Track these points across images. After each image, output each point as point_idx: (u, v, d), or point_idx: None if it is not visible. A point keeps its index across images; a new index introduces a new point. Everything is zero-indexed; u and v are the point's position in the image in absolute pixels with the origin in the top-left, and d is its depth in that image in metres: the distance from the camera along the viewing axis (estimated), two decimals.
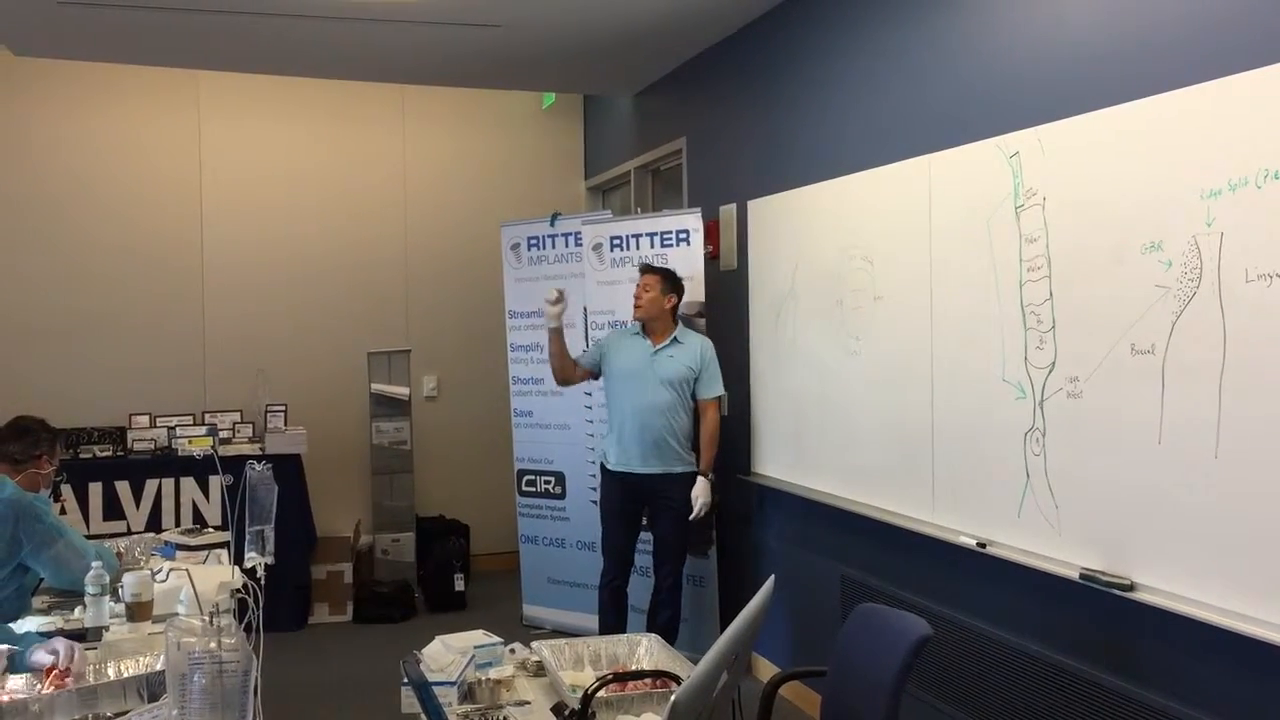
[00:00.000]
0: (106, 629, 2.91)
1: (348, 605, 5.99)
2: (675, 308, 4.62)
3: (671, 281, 4.61)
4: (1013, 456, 3.06)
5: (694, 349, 4.60)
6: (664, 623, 4.57)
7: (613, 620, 4.64)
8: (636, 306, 4.60)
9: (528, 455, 5.77)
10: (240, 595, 2.62)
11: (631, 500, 4.63)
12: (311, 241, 6.60)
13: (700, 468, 4.58)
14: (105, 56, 5.65)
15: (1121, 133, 2.68)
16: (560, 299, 4.60)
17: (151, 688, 2.33)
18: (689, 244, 4.95)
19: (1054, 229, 2.90)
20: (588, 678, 2.50)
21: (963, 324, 3.29)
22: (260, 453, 5.69)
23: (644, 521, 4.73)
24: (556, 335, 4.67)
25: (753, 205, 4.70)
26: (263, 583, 2.57)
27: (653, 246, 5.06)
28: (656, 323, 4.60)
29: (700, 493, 4.54)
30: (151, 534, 4.27)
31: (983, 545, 3.20)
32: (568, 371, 4.76)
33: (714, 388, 4.60)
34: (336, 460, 6.43)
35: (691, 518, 4.55)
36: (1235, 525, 2.38)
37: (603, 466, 4.73)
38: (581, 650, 2.72)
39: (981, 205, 3.17)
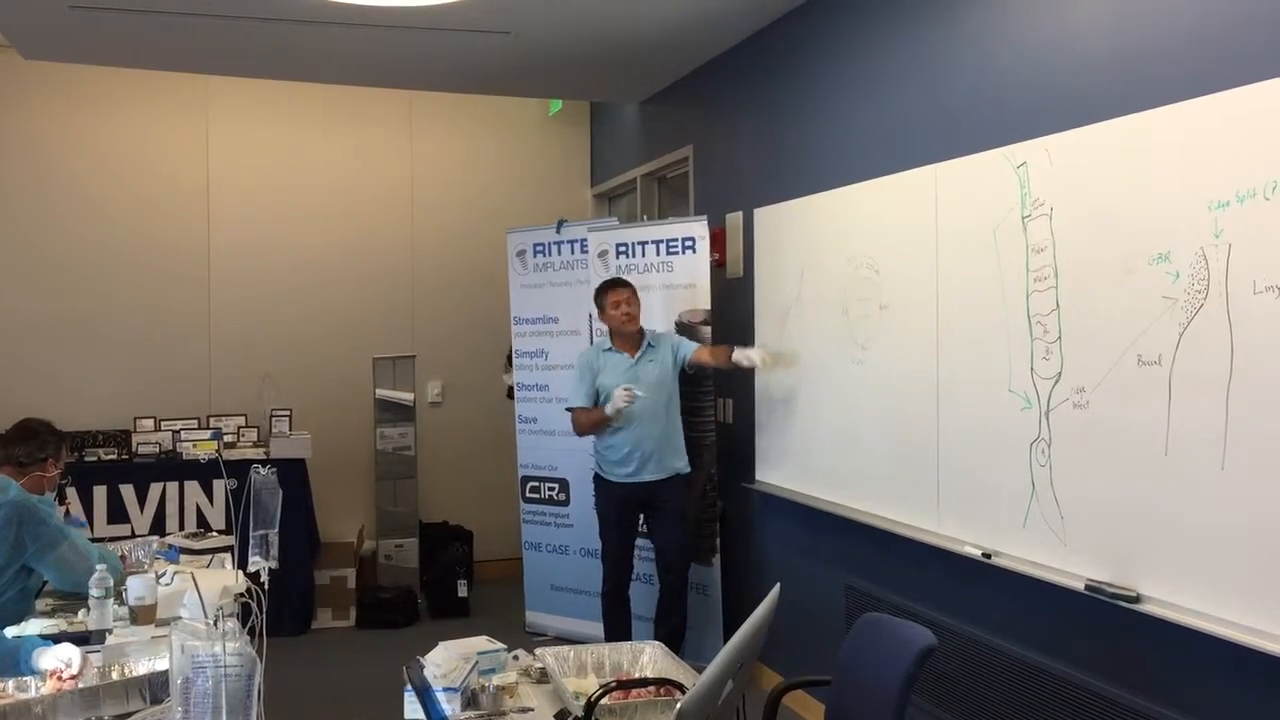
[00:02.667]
0: (110, 632, 2.91)
1: (351, 610, 5.99)
2: None
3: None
4: (1018, 467, 3.05)
5: (666, 344, 4.68)
6: (673, 627, 4.61)
7: (617, 627, 4.65)
8: (630, 320, 4.59)
9: (532, 462, 5.77)
10: (244, 599, 2.62)
11: (630, 509, 4.65)
12: (318, 246, 6.62)
13: (728, 351, 4.46)
14: (115, 60, 5.67)
15: (1129, 144, 2.68)
16: (633, 401, 4.43)
17: (153, 689, 2.33)
18: (695, 252, 4.95)
19: (1061, 239, 2.90)
20: (591, 685, 2.50)
21: (969, 334, 3.29)
22: (265, 457, 5.68)
23: (640, 528, 4.77)
24: (605, 419, 4.53)
25: (759, 213, 4.70)
26: (266, 587, 2.57)
27: (658, 254, 5.06)
28: (632, 335, 4.62)
29: (746, 354, 4.38)
30: (155, 536, 4.27)
31: (988, 555, 3.19)
32: (599, 428, 4.64)
33: (694, 345, 4.68)
34: (341, 465, 6.43)
35: (759, 361, 4.35)
36: (1243, 537, 2.37)
37: (599, 478, 4.71)
38: (585, 657, 2.71)
39: (988, 215, 3.17)
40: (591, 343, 5.32)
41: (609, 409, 4.46)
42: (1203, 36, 2.59)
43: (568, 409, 4.75)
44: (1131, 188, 2.66)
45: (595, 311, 4.79)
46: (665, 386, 4.60)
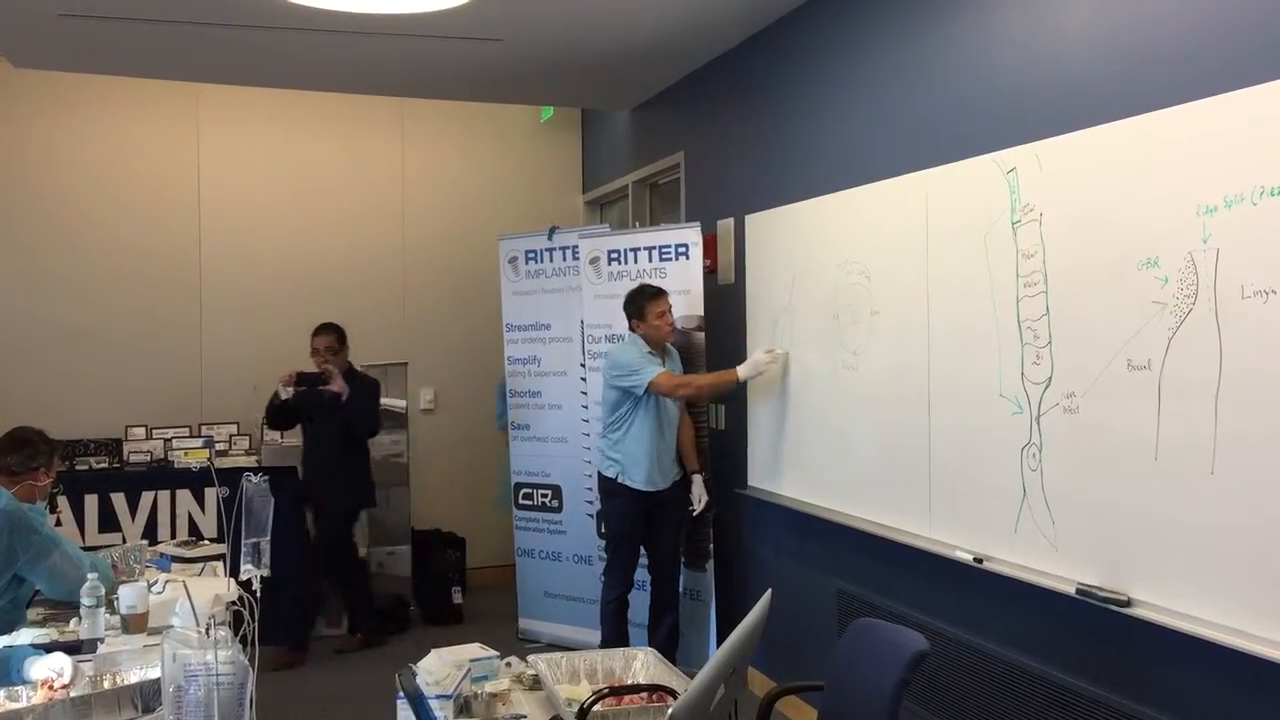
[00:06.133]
0: (102, 641, 2.91)
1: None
2: None
3: None
4: (1010, 472, 3.06)
5: (676, 358, 4.78)
6: (670, 629, 4.71)
7: (620, 637, 4.65)
8: (671, 331, 4.64)
9: (525, 469, 5.77)
10: (236, 608, 2.61)
11: (642, 517, 4.67)
12: (309, 253, 6.61)
13: (696, 469, 4.80)
14: (105, 69, 5.66)
15: (1119, 149, 2.69)
16: (774, 361, 4.38)
17: (145, 698, 2.32)
18: (688, 258, 4.96)
19: (1051, 245, 2.91)
20: (584, 691, 2.50)
21: (960, 339, 3.30)
22: (257, 465, 5.68)
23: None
24: (732, 379, 4.46)
25: (750, 219, 4.71)
26: (258, 595, 2.57)
27: (650, 260, 5.07)
28: (663, 345, 4.66)
29: (701, 491, 4.75)
30: (145, 541, 4.25)
31: (979, 560, 3.20)
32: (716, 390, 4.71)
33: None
34: None
35: (697, 514, 4.76)
36: (1232, 541, 2.38)
37: (620, 488, 4.62)
38: (578, 664, 2.72)
39: (978, 221, 3.18)
40: (583, 349, 5.33)
41: (746, 371, 4.38)
42: (1192, 43, 2.60)
43: (650, 380, 4.45)
44: (1120, 193, 2.68)
45: (627, 318, 4.64)
46: (679, 403, 4.73)
